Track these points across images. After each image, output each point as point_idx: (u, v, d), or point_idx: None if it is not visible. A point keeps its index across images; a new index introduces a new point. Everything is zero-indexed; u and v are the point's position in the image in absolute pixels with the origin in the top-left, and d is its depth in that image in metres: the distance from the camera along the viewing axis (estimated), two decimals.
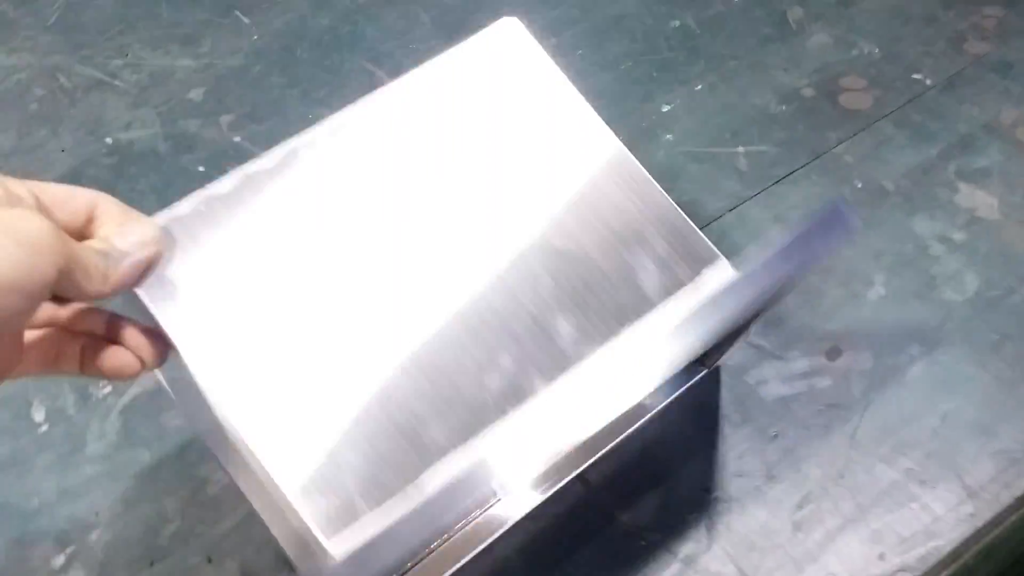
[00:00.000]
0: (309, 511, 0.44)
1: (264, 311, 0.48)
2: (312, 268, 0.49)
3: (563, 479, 0.63)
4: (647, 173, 0.54)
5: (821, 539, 0.60)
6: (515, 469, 0.56)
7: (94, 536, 0.62)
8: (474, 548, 0.59)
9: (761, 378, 0.67)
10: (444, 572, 0.57)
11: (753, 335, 0.69)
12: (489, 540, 0.59)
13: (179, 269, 0.48)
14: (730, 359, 0.68)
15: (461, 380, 0.47)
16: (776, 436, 0.64)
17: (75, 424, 0.67)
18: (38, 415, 0.68)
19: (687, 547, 0.60)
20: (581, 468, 0.63)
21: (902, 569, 0.59)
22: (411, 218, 0.51)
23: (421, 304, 0.49)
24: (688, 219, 0.53)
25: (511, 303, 0.49)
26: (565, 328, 0.49)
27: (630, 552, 0.60)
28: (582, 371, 0.48)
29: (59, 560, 0.62)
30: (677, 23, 0.89)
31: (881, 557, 0.60)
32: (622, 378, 0.47)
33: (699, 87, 0.84)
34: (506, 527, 0.60)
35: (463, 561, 0.58)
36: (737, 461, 0.63)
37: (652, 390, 0.62)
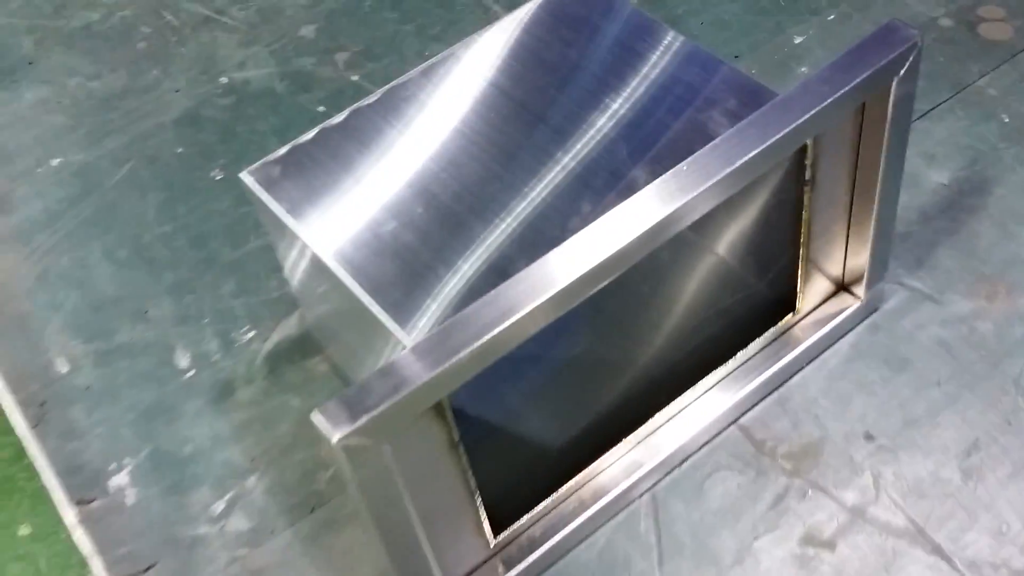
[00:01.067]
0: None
1: (376, 193, 0.54)
2: (425, 165, 0.56)
3: (720, 425, 0.62)
4: (715, 56, 0.59)
5: (993, 487, 0.59)
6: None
7: (251, 482, 0.62)
8: (620, 484, 0.58)
9: (919, 322, 0.65)
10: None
11: (906, 276, 0.67)
12: (638, 475, 0.59)
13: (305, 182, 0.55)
14: (886, 303, 0.66)
15: (545, 225, 0.52)
16: (939, 383, 0.63)
17: (221, 370, 0.67)
18: (182, 361, 0.67)
19: (853, 496, 0.59)
20: (738, 415, 0.62)
21: None
22: (514, 122, 0.57)
23: (515, 178, 0.54)
24: (758, 80, 0.57)
25: (591, 166, 0.54)
26: (641, 176, 0.53)
27: (793, 501, 0.59)
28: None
29: (219, 506, 0.61)
30: None
31: None
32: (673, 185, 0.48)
33: (831, 16, 0.81)
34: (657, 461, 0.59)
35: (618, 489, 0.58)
36: (899, 409, 0.62)
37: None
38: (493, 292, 0.45)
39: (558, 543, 0.58)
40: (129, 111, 0.81)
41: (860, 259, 0.62)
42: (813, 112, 0.49)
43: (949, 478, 0.59)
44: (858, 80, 0.50)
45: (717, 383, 0.62)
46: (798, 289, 0.62)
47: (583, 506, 0.58)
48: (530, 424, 0.58)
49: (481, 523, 0.55)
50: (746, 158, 0.48)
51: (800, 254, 0.60)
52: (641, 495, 0.60)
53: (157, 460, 0.63)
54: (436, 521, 0.51)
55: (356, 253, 0.52)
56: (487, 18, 0.85)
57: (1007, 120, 0.74)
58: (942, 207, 0.70)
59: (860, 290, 0.64)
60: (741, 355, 0.62)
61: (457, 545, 0.55)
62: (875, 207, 0.59)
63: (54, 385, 0.67)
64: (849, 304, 0.64)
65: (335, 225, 0.53)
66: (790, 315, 0.63)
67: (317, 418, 0.42)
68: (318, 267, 0.53)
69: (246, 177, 0.55)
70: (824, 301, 0.65)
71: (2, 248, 0.73)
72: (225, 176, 0.75)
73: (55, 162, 0.78)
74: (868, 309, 0.65)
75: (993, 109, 0.75)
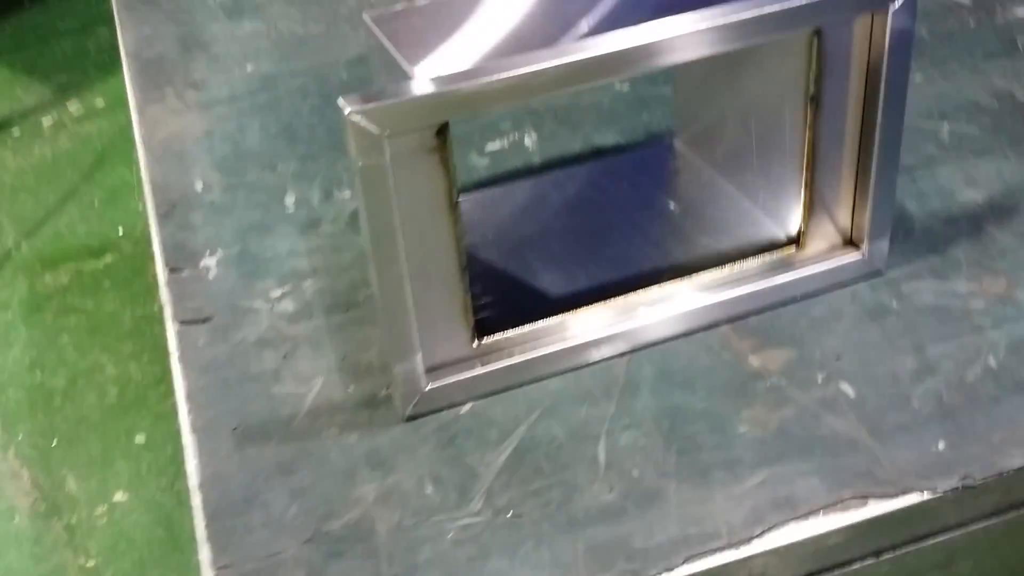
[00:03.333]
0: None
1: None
2: None
3: (703, 319, 0.69)
4: None
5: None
6: None
7: (308, 283, 0.74)
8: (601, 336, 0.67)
9: (917, 289, 0.71)
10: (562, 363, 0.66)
11: (918, 257, 0.73)
12: (621, 350, 0.67)
13: None
14: (892, 271, 0.72)
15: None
16: (921, 337, 0.68)
17: (315, 211, 0.80)
18: (289, 200, 0.82)
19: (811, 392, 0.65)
20: (724, 317, 0.69)
21: None
22: None
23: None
24: None
25: None
26: None
27: (755, 390, 0.65)
28: None
29: (276, 292, 0.74)
30: None
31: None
32: None
33: (919, 79, 0.90)
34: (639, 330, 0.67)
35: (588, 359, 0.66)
36: (877, 350, 0.67)
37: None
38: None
39: (536, 365, 0.66)
40: (317, 48, 0.99)
41: (865, 212, 0.70)
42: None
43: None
44: None
45: (711, 286, 0.70)
46: (802, 225, 0.70)
47: (565, 342, 0.67)
48: (530, 255, 0.68)
49: (467, 313, 0.64)
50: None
51: (805, 182, 0.68)
52: (620, 355, 0.68)
53: (243, 256, 0.77)
54: (425, 288, 0.62)
55: None
56: None
57: None
58: (970, 218, 0.76)
59: (864, 245, 0.71)
60: (738, 266, 0.70)
61: (441, 327, 0.64)
62: (874, 150, 0.67)
63: (187, 196, 0.82)
64: (852, 257, 0.71)
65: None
66: (792, 248, 0.71)
67: (341, 102, 0.54)
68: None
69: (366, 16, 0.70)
70: (830, 250, 0.72)
71: (187, 112, 0.92)
72: None
73: (249, 67, 0.97)
74: (870, 267, 0.72)
75: None
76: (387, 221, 0.58)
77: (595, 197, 0.78)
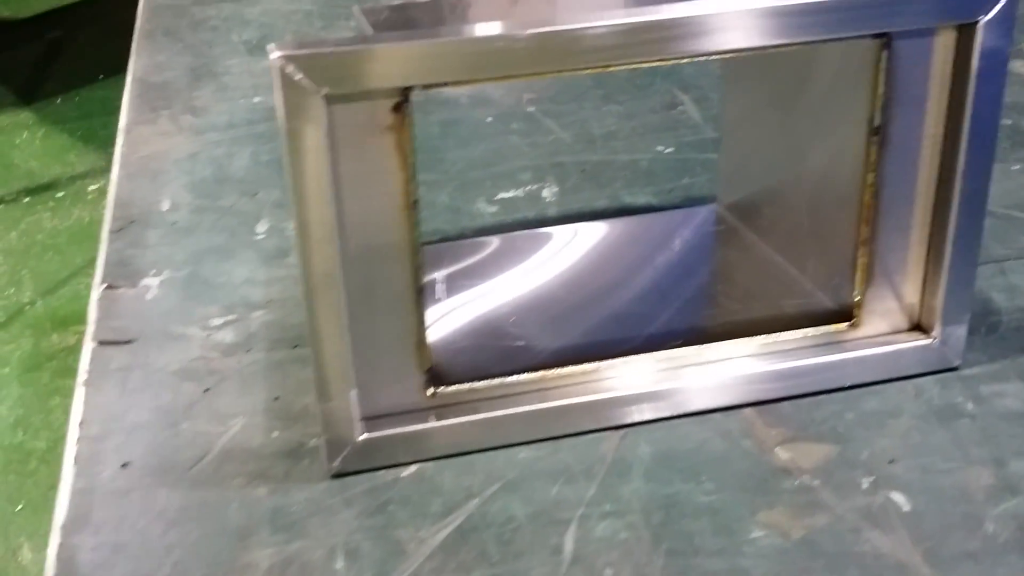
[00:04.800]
0: None
1: None
2: None
3: (727, 397, 0.55)
4: None
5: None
6: None
7: (256, 314, 0.62)
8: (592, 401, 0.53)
9: (1000, 392, 0.56)
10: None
11: (1007, 356, 0.58)
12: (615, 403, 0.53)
13: None
14: (970, 367, 0.58)
15: None
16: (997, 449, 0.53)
17: (286, 241, 0.69)
18: (260, 228, 0.71)
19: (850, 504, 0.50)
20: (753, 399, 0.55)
21: None
22: None
23: None
24: None
25: None
26: None
27: (779, 488, 0.51)
28: None
29: (217, 321, 0.62)
30: (1009, 122, 0.83)
31: None
32: None
33: (1016, 167, 0.77)
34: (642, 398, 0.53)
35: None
36: (936, 457, 0.53)
37: None
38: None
39: (504, 426, 0.53)
40: None
41: (939, 287, 0.56)
42: None
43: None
44: None
45: (737, 356, 0.56)
46: (857, 296, 0.56)
47: (544, 403, 0.53)
48: (521, 302, 0.56)
49: (422, 352, 0.51)
50: None
51: (863, 239, 0.55)
52: (613, 428, 0.54)
53: (191, 279, 0.66)
54: (368, 310, 0.49)
55: None
56: None
57: None
58: None
59: (936, 330, 0.57)
60: (773, 338, 0.56)
61: (387, 365, 0.51)
62: (954, 205, 0.53)
63: (149, 214, 0.72)
64: (919, 343, 0.57)
65: None
66: (844, 324, 0.57)
67: (270, 46, 0.44)
68: None
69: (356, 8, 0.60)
70: (892, 332, 0.58)
71: (177, 134, 0.82)
72: None
73: (256, 99, 0.88)
74: (942, 359, 0.57)
75: None
76: (321, 213, 0.46)
77: (612, 253, 0.66)
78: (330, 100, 0.45)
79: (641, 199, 0.74)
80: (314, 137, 0.45)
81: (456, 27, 0.45)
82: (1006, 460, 0.52)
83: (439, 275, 0.62)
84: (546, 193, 0.75)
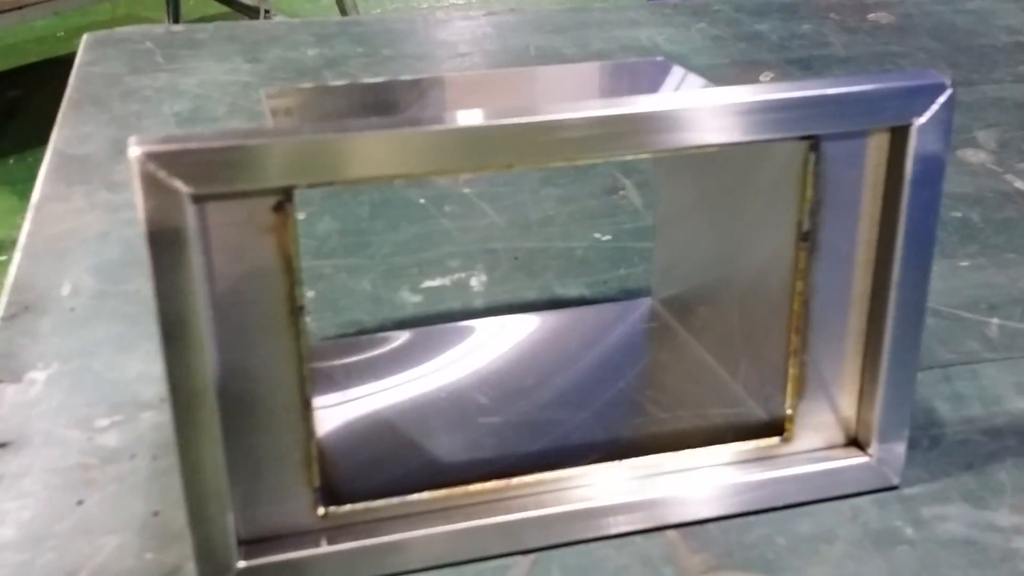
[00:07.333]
0: None
1: None
2: None
3: (649, 518, 0.51)
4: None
5: None
6: None
7: (146, 415, 0.58)
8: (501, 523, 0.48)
9: (942, 515, 0.52)
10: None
11: (947, 474, 0.55)
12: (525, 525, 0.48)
13: None
14: (911, 486, 0.54)
15: None
16: None
17: None
18: None
19: None
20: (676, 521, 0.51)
21: None
22: None
23: None
24: None
25: None
26: None
27: None
28: None
29: (103, 423, 0.57)
30: (959, 214, 0.80)
31: None
32: None
33: (965, 263, 0.74)
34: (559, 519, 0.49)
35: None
36: None
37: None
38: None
39: (404, 550, 0.48)
40: None
41: (875, 401, 0.52)
42: (810, 93, 0.44)
43: None
44: (868, 88, 0.45)
45: (658, 473, 0.52)
46: (788, 408, 0.52)
47: (448, 525, 0.49)
48: (425, 410, 0.51)
49: (310, 467, 0.47)
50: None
51: (793, 349, 0.51)
52: (522, 552, 0.49)
53: (81, 374, 0.61)
54: (247, 422, 0.45)
55: None
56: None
57: None
58: (1020, 433, 0.58)
59: (873, 446, 0.53)
60: (699, 453, 0.52)
61: (271, 482, 0.47)
62: (889, 316, 0.50)
63: (46, 299, 0.67)
64: (855, 460, 0.53)
65: None
66: (775, 439, 0.53)
67: (131, 140, 0.39)
68: None
69: (262, 92, 0.57)
70: (826, 448, 0.54)
71: (90, 211, 0.78)
72: None
73: None
74: (879, 478, 0.53)
75: None
76: (187, 316, 0.42)
77: (536, 350, 0.62)
78: (200, 200, 0.40)
79: (573, 291, 0.70)
80: (181, 240, 0.41)
81: (345, 122, 0.41)
82: None
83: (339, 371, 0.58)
84: (474, 282, 0.71)
